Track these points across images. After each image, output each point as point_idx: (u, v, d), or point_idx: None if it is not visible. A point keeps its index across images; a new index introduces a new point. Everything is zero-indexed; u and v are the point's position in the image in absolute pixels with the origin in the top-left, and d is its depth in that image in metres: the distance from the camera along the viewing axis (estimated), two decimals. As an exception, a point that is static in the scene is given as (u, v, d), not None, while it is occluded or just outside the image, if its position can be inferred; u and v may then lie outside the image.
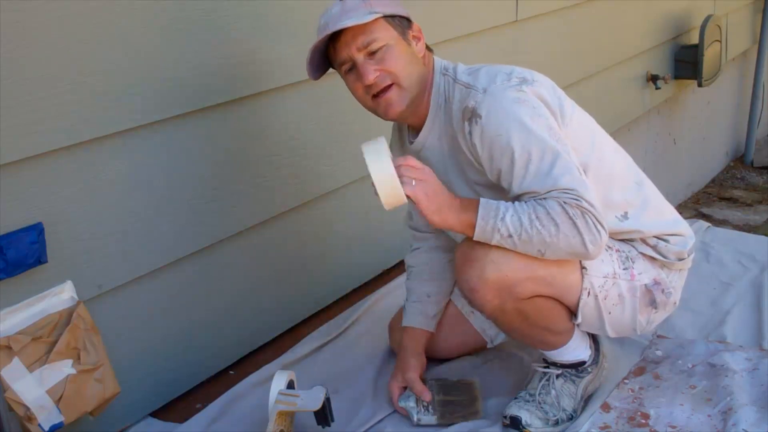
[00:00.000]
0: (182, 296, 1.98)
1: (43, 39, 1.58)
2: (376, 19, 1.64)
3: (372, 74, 1.66)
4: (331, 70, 1.76)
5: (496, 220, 1.59)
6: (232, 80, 1.98)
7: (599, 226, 1.58)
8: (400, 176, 1.57)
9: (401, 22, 1.70)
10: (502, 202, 1.61)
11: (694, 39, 4.27)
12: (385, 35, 1.66)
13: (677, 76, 4.26)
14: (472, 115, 1.65)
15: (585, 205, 1.57)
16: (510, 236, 1.59)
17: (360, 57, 1.66)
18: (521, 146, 1.61)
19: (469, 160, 1.71)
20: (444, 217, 1.61)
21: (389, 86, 1.68)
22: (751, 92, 5.34)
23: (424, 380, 1.91)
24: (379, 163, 1.56)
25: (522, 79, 1.68)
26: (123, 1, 1.71)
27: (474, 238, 1.61)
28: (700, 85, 4.27)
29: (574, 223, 1.57)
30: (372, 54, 1.66)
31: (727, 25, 4.59)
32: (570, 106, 1.76)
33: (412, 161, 1.61)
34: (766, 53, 5.24)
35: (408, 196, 1.57)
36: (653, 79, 4.00)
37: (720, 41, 4.37)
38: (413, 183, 1.58)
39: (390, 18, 1.68)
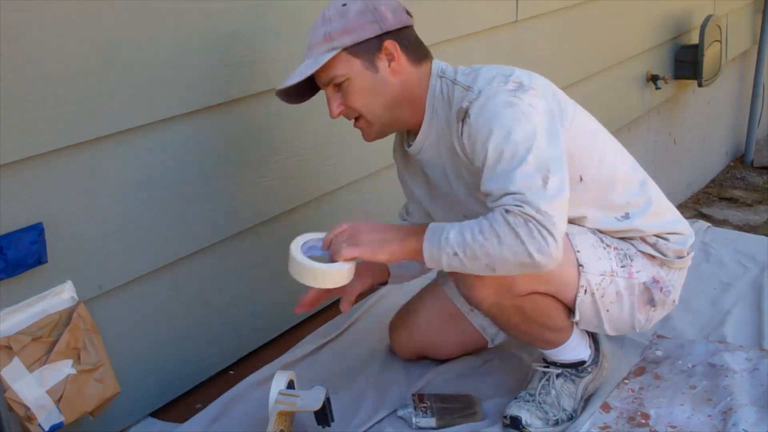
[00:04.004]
0: (182, 296, 1.98)
1: (43, 39, 1.58)
2: (336, 55, 1.66)
3: (337, 109, 1.71)
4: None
5: (440, 240, 1.56)
6: (233, 80, 1.98)
7: (545, 233, 1.49)
8: (332, 248, 1.62)
9: (368, 48, 1.68)
10: (449, 223, 1.58)
11: (694, 39, 4.27)
12: (346, 70, 1.67)
13: (677, 76, 4.25)
14: (464, 116, 1.65)
15: (529, 211, 1.49)
16: (456, 254, 1.55)
17: (328, 91, 1.71)
18: (495, 146, 1.58)
19: (465, 162, 1.70)
20: (389, 250, 1.62)
21: (357, 118, 1.74)
22: (751, 92, 5.33)
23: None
24: (304, 270, 1.61)
25: (519, 84, 1.66)
26: (123, 2, 1.71)
27: (426, 264, 1.59)
28: (700, 85, 4.27)
29: (516, 233, 1.50)
30: (338, 87, 1.70)
31: (727, 25, 4.59)
32: (572, 110, 1.74)
33: (338, 228, 1.64)
34: (766, 53, 5.23)
35: (349, 260, 1.62)
36: (653, 79, 4.00)
37: (720, 41, 4.37)
38: (344, 246, 1.61)
39: (353, 48, 1.66)
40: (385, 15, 1.68)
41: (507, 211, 1.50)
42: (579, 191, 1.71)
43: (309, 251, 1.66)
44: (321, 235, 1.67)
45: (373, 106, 1.71)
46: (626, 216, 1.78)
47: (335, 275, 1.62)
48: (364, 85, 1.69)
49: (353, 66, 1.67)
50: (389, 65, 1.70)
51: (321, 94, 1.79)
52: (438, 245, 1.56)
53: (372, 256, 1.62)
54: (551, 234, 1.50)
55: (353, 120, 1.76)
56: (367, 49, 1.68)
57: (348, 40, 1.66)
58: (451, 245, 1.55)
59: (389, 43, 1.69)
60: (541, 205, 1.50)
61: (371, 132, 1.76)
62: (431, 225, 1.59)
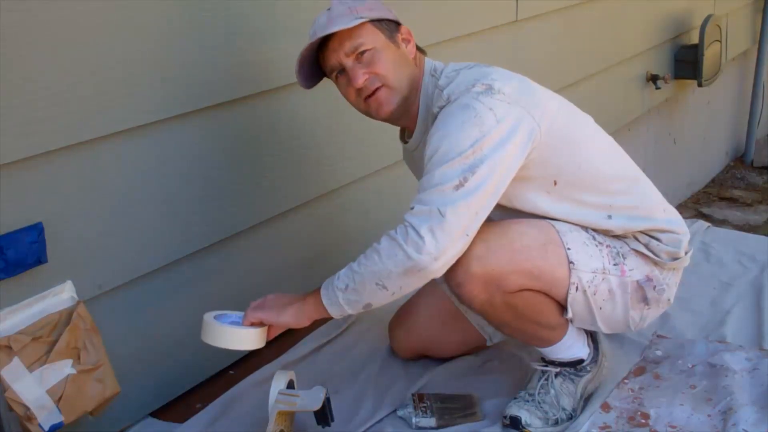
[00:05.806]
0: (182, 296, 1.98)
1: (43, 39, 1.58)
2: (362, 24, 1.68)
3: (361, 77, 1.70)
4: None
5: (333, 283, 1.65)
6: (233, 80, 1.98)
7: (424, 231, 1.55)
8: (244, 316, 1.73)
9: (389, 26, 1.74)
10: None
11: (694, 39, 4.27)
12: (373, 39, 1.70)
13: (677, 76, 4.25)
14: (433, 119, 1.70)
15: (407, 216, 1.58)
16: (347, 286, 1.62)
17: (349, 62, 1.70)
18: (435, 143, 1.63)
19: None
20: (292, 312, 1.70)
21: (379, 87, 1.71)
22: (751, 92, 5.33)
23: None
24: (213, 331, 1.70)
25: (488, 87, 1.66)
26: (123, 2, 1.71)
27: (331, 314, 1.66)
28: (700, 85, 4.27)
29: (393, 239, 1.58)
30: (360, 58, 1.69)
31: (727, 25, 4.59)
32: (551, 116, 1.70)
33: (250, 308, 1.73)
34: (766, 53, 5.23)
35: (256, 324, 1.72)
36: (653, 79, 4.00)
37: (720, 41, 4.37)
38: (250, 312, 1.72)
39: (377, 22, 1.71)
40: (390, 10, 1.77)
41: (395, 229, 1.58)
42: (554, 194, 1.74)
43: (221, 318, 1.75)
44: (236, 312, 1.77)
45: (398, 73, 1.73)
46: (609, 217, 1.77)
47: (243, 335, 1.71)
48: (389, 55, 1.72)
49: (378, 38, 1.71)
50: (406, 47, 1.77)
51: (322, 87, 1.79)
52: (332, 288, 1.64)
53: (276, 318, 1.71)
54: (431, 231, 1.55)
55: (368, 95, 1.72)
56: (389, 26, 1.74)
57: (374, 14, 1.72)
58: (341, 281, 1.63)
59: (405, 28, 1.77)
60: (441, 207, 1.55)
61: (392, 99, 1.73)
62: (327, 279, 1.67)
